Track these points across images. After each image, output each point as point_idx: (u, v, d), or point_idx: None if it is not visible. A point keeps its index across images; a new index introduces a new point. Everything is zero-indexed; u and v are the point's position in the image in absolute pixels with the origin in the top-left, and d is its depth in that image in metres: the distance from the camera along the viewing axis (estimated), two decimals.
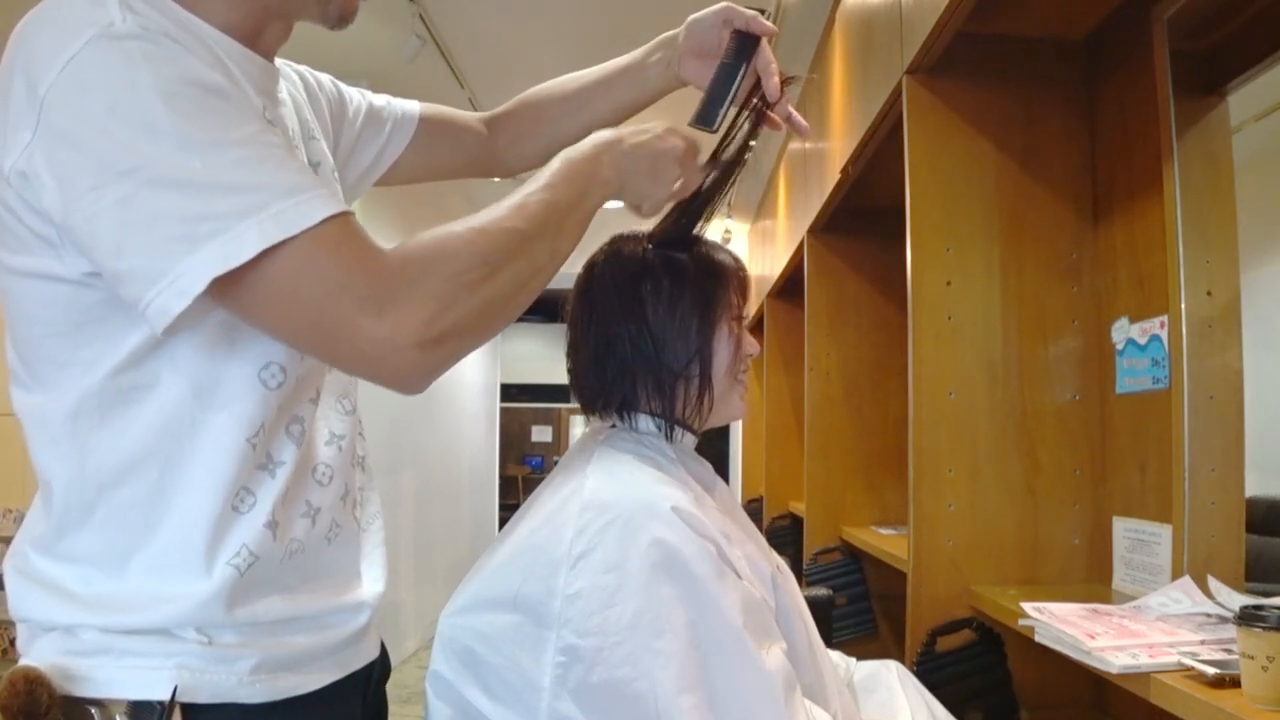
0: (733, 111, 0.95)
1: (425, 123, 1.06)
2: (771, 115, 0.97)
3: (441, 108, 1.09)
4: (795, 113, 0.99)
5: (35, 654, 0.68)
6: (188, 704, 0.67)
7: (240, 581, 0.69)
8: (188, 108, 0.60)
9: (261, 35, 0.76)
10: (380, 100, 1.03)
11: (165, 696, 0.65)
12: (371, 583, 0.85)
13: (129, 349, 0.66)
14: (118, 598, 0.68)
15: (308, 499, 0.77)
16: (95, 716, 0.65)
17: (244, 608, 0.70)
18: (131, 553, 0.68)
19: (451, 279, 0.64)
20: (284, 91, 0.83)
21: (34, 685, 0.62)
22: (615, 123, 1.03)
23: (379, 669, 0.89)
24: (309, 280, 0.61)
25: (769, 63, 0.95)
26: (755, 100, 0.95)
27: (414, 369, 0.64)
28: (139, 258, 0.59)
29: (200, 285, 0.59)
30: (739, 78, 0.93)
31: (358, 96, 1.01)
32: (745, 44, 0.94)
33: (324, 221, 0.61)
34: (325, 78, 0.96)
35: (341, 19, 0.79)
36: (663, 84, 1.04)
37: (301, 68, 0.93)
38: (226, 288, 0.60)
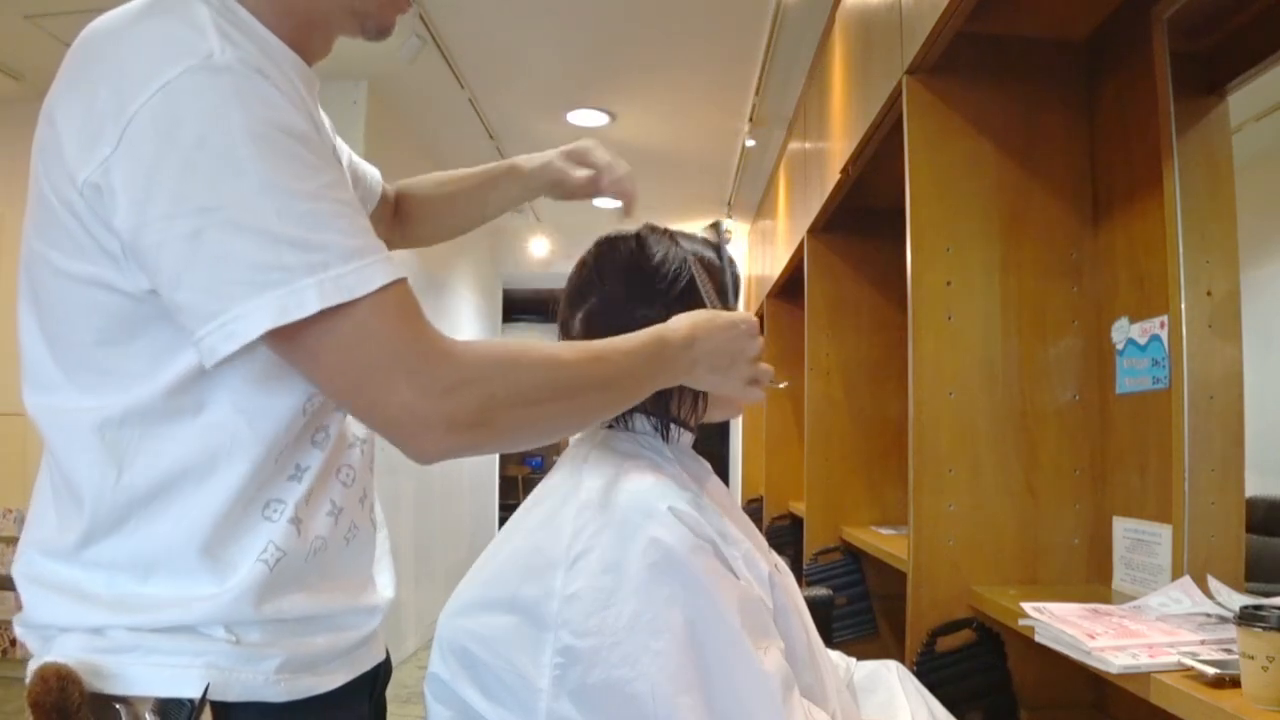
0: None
1: (384, 193, 1.11)
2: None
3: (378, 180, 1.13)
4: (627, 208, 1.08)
5: (58, 652, 0.67)
6: (217, 702, 0.67)
7: (270, 577, 0.70)
8: (273, 152, 0.61)
9: (305, 50, 0.77)
10: (356, 159, 1.05)
11: (195, 694, 0.66)
12: (383, 587, 0.87)
13: (180, 370, 0.67)
14: (145, 598, 0.68)
15: (332, 498, 0.78)
16: (122, 714, 0.65)
17: (271, 604, 0.71)
18: (160, 558, 0.69)
19: (512, 393, 0.67)
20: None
21: (66, 682, 0.62)
22: (490, 219, 1.16)
23: (384, 670, 0.90)
24: (363, 347, 0.63)
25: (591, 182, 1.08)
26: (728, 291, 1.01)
27: (438, 450, 0.66)
28: (199, 294, 0.61)
29: (254, 333, 0.60)
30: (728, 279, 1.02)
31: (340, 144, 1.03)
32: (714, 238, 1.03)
33: (384, 289, 0.63)
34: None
35: (380, 32, 0.80)
36: (528, 194, 1.13)
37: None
38: (278, 338, 0.62)
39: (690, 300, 0.97)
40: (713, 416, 1.02)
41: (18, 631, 0.72)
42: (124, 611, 0.68)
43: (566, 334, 1.01)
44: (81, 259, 0.65)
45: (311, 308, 0.60)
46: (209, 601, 0.68)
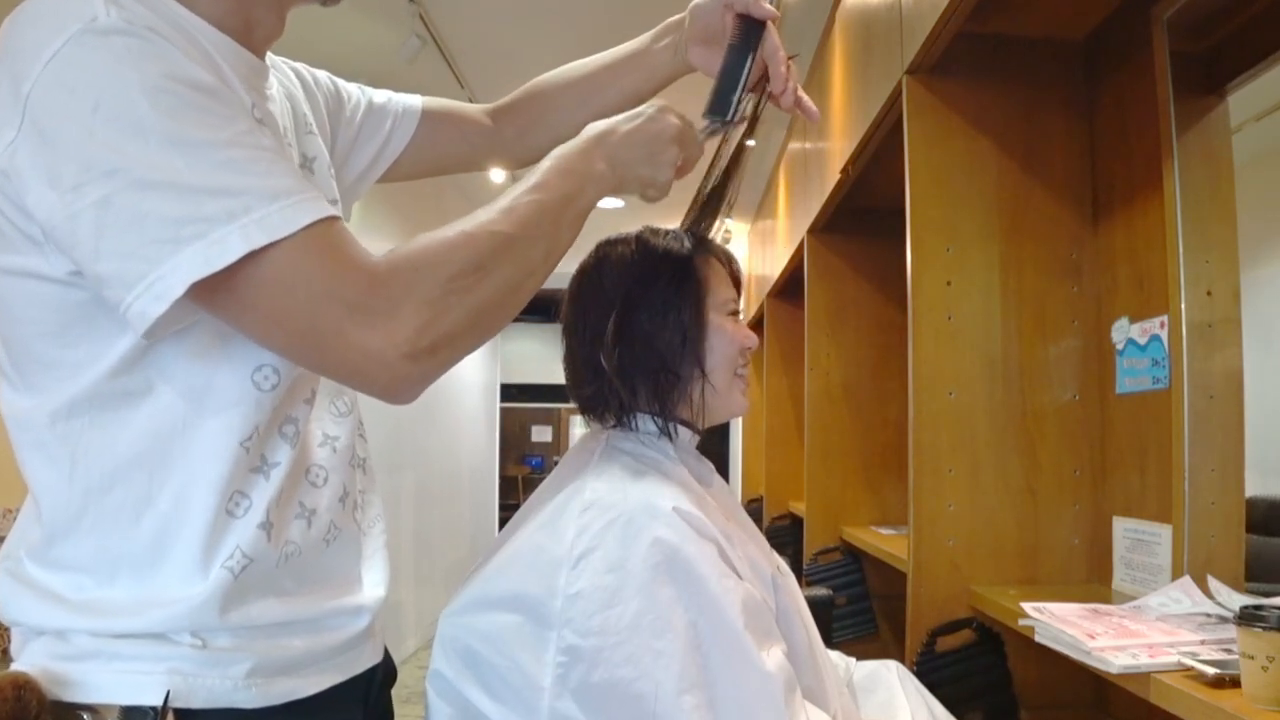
0: (746, 100, 0.93)
1: (428, 116, 1.04)
2: (780, 101, 0.95)
3: (445, 101, 1.07)
4: (805, 96, 0.97)
5: (26, 658, 0.67)
6: (182, 709, 0.65)
7: (234, 585, 0.68)
8: (174, 106, 0.58)
9: (252, 30, 0.74)
10: (381, 96, 1.01)
11: (158, 701, 0.64)
12: (372, 586, 0.83)
13: (120, 352, 0.65)
14: (110, 602, 0.66)
15: (301, 500, 0.75)
16: None
17: (238, 611, 0.68)
18: (122, 558, 0.67)
19: (442, 285, 0.63)
20: (275, 88, 0.81)
21: (21, 690, 0.61)
22: (623, 109, 0.96)
23: (382, 673, 0.87)
24: (295, 287, 0.59)
25: (776, 48, 0.92)
26: (765, 86, 0.93)
27: (405, 379, 0.63)
28: (118, 261, 0.58)
29: (179, 289, 0.57)
30: (748, 65, 0.91)
31: (357, 93, 0.99)
32: (750, 29, 0.92)
33: (310, 226, 0.60)
34: (322, 74, 0.95)
35: None
36: (670, 70, 1.02)
37: (298, 64, 0.92)
38: (211, 294, 0.59)
39: (694, 301, 0.97)
40: (718, 416, 1.01)
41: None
42: (87, 615, 0.66)
43: (571, 336, 1.01)
44: (10, 251, 0.63)
45: (236, 252, 0.57)
46: (171, 607, 0.66)
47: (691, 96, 0.94)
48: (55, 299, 0.64)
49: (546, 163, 0.77)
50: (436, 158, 1.06)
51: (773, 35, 0.93)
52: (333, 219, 0.62)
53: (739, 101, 0.91)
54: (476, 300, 0.65)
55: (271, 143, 0.63)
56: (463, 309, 0.64)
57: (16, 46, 0.59)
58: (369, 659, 0.83)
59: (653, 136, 0.84)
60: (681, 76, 1.03)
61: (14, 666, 0.65)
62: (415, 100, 1.04)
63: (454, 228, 0.67)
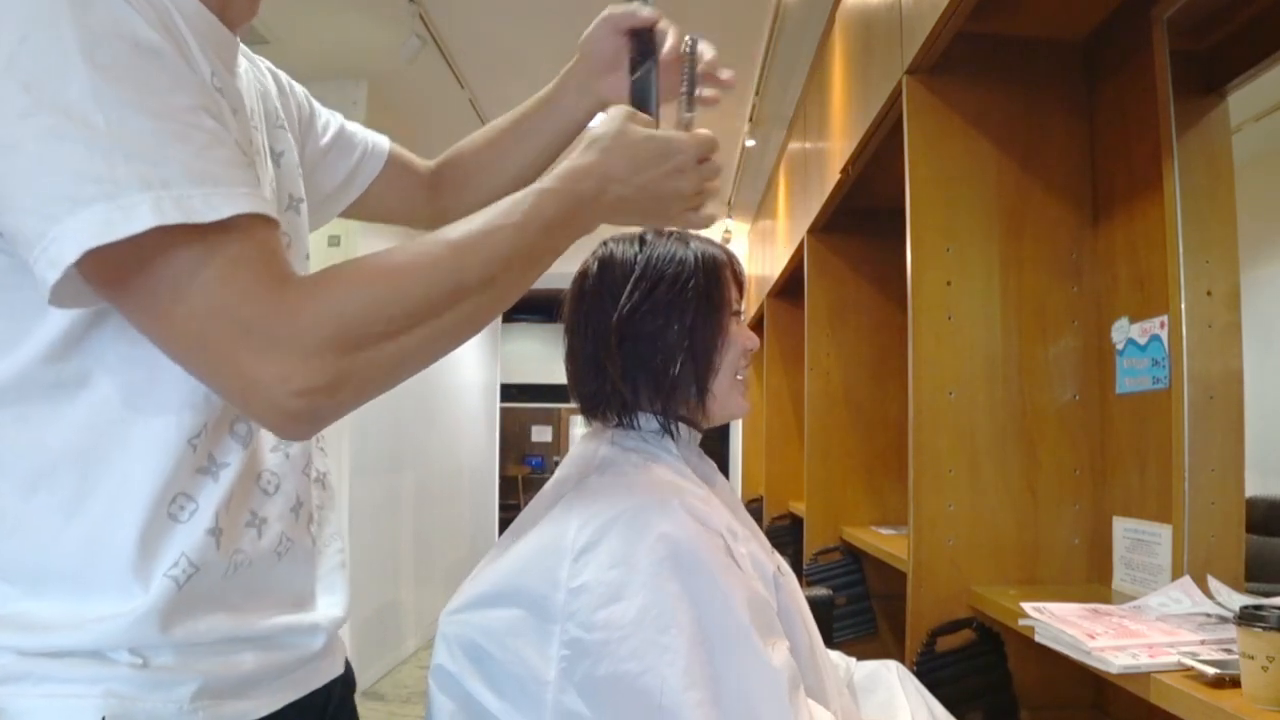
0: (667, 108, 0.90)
1: (393, 160, 1.02)
2: (706, 94, 0.90)
3: (405, 151, 1.05)
4: (723, 74, 0.91)
5: None
6: None
7: (178, 596, 0.61)
8: (108, 61, 0.52)
9: (228, 5, 0.69)
10: (351, 126, 1.00)
11: None
12: (328, 606, 0.77)
13: (52, 333, 0.59)
14: (37, 616, 0.59)
15: (252, 508, 0.69)
16: None
17: (182, 626, 0.62)
18: (50, 566, 0.60)
19: (361, 325, 0.55)
20: (246, 72, 0.76)
21: None
22: (548, 161, 0.98)
23: (341, 686, 0.81)
24: (196, 287, 0.52)
25: (673, 47, 0.90)
26: (682, 86, 0.90)
27: (293, 418, 0.55)
28: (22, 216, 0.51)
29: (73, 254, 0.49)
30: (653, 77, 0.89)
31: (327, 114, 0.97)
32: (643, 39, 0.91)
33: (233, 219, 0.53)
34: (299, 86, 0.92)
35: None
36: (583, 109, 0.99)
37: (277, 70, 0.89)
38: (104, 270, 0.52)
39: (696, 303, 0.97)
40: (719, 418, 1.01)
41: None
42: (12, 631, 0.59)
43: (573, 337, 1.00)
44: None
45: (143, 223, 0.50)
46: (107, 622, 0.59)
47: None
48: None
49: (535, 194, 0.67)
50: (391, 203, 1.04)
51: (667, 35, 0.92)
52: (263, 218, 0.55)
53: (657, 113, 0.88)
54: (398, 348, 0.57)
55: (214, 125, 0.56)
56: (379, 355, 0.56)
57: None
58: (326, 674, 0.77)
59: (671, 195, 0.76)
60: (600, 110, 0.99)
61: None
62: (384, 140, 1.03)
63: (401, 261, 0.59)
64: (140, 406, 0.61)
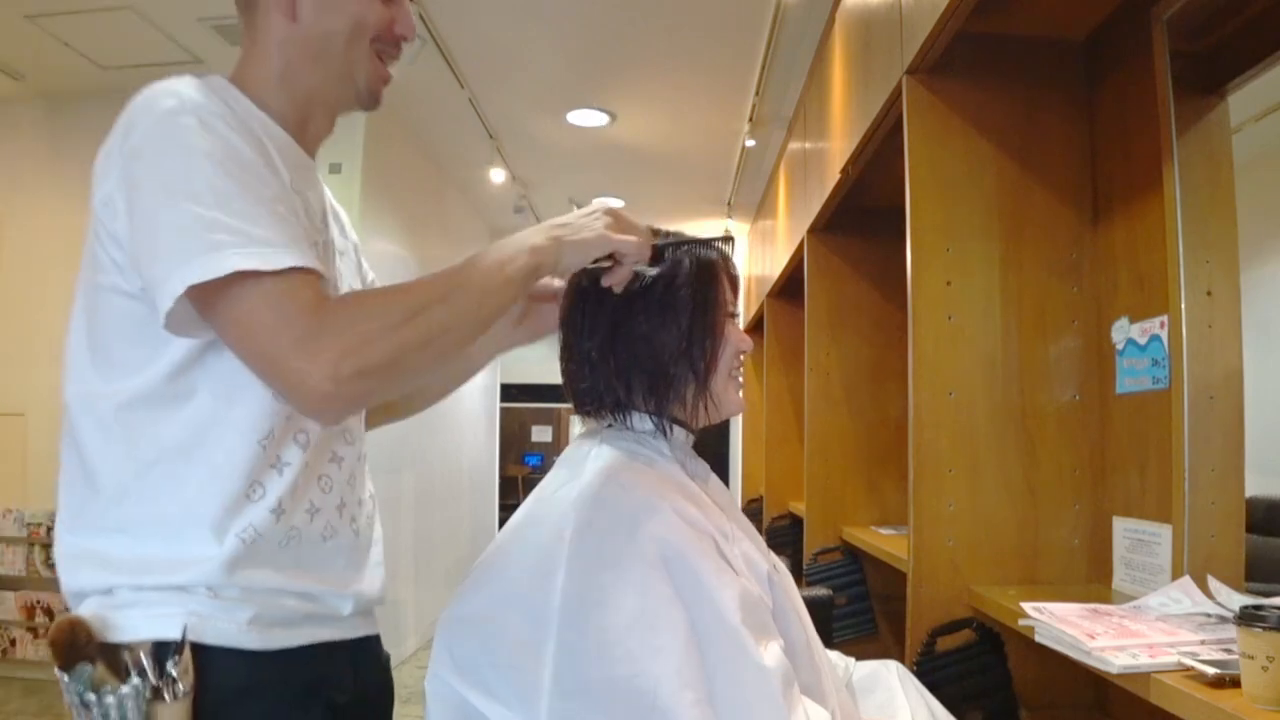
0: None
1: None
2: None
3: None
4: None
5: (82, 609, 0.84)
6: (196, 644, 0.81)
7: (243, 551, 0.84)
8: (222, 168, 0.79)
9: (307, 126, 0.95)
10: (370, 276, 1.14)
11: (178, 636, 0.80)
12: (366, 585, 0.98)
13: (174, 358, 0.83)
14: (146, 561, 0.83)
15: (311, 499, 0.92)
16: (126, 657, 0.80)
17: (243, 573, 0.85)
18: (158, 524, 0.84)
19: (373, 325, 0.77)
20: (325, 192, 1.01)
21: (75, 625, 0.79)
22: (479, 364, 1.20)
23: (377, 649, 1.03)
24: (265, 313, 0.76)
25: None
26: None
27: (327, 399, 0.76)
28: (154, 266, 0.77)
29: (180, 288, 0.74)
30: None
31: (368, 265, 1.13)
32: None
33: (288, 271, 0.76)
34: (352, 234, 1.10)
35: (373, 98, 0.98)
36: (521, 335, 1.14)
37: (342, 211, 1.09)
38: (203, 301, 0.76)
39: (693, 306, 0.97)
40: (714, 417, 1.01)
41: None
42: (129, 573, 0.84)
43: (569, 332, 1.00)
44: (103, 272, 0.83)
45: (228, 268, 0.74)
46: (195, 567, 0.83)
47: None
48: (128, 309, 0.83)
49: (493, 251, 0.88)
50: None
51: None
52: (311, 270, 0.78)
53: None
54: (401, 339, 0.78)
55: (285, 211, 0.81)
56: (387, 345, 0.77)
57: (135, 111, 0.82)
58: (360, 629, 0.98)
59: (583, 214, 0.95)
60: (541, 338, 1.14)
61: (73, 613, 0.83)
62: None
63: (397, 285, 0.83)
64: (226, 417, 0.85)
